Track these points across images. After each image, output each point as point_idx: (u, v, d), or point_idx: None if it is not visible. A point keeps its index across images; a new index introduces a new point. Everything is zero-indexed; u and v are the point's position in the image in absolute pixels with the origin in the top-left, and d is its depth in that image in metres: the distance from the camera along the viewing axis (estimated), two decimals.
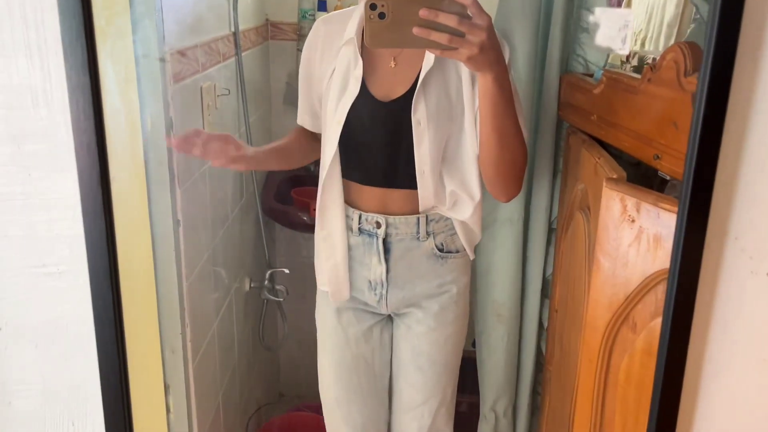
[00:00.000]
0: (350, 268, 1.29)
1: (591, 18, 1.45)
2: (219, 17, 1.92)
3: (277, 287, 2.20)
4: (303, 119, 1.35)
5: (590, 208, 1.22)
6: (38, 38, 0.60)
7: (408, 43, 0.95)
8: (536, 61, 1.49)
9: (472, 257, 1.32)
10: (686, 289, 0.63)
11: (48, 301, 0.68)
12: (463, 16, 0.93)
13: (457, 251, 1.29)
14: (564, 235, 1.46)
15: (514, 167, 1.14)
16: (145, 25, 1.12)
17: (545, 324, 1.65)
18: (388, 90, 1.18)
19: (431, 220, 1.25)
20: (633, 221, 0.97)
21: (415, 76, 1.16)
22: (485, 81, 1.01)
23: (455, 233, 1.28)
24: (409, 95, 1.15)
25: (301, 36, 2.60)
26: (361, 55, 1.17)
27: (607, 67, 1.43)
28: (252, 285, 2.15)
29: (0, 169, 0.65)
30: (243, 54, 2.18)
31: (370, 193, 1.25)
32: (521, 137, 1.12)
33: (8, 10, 0.59)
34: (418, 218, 1.24)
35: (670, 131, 0.99)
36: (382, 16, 0.93)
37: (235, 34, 2.01)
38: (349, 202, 1.28)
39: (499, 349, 1.66)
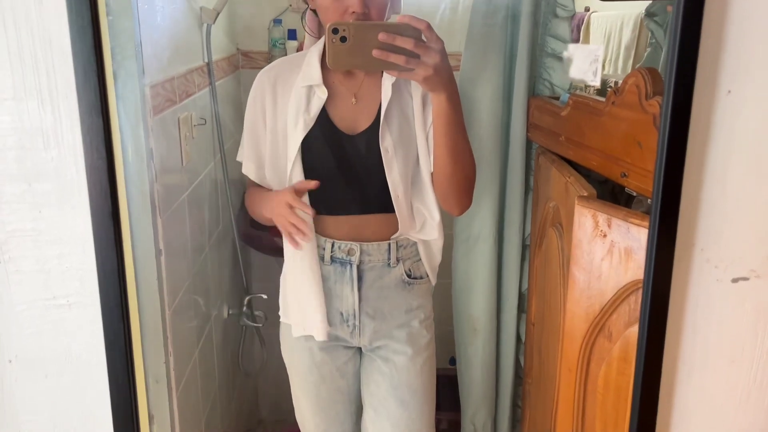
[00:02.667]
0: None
1: (556, 45, 1.53)
2: (193, 49, 1.95)
3: (256, 313, 2.21)
4: (248, 168, 1.35)
5: (562, 225, 1.28)
6: (49, 82, 0.63)
7: (368, 65, 1.02)
8: (504, 85, 1.56)
9: (434, 282, 1.37)
10: (659, 299, 0.68)
11: (59, 333, 0.70)
12: (419, 40, 1.00)
13: (422, 277, 1.34)
14: (538, 251, 1.52)
15: (467, 181, 1.22)
16: (126, 61, 1.15)
17: (523, 337, 1.70)
18: (352, 124, 1.23)
19: (401, 246, 1.29)
20: (605, 236, 1.02)
21: (377, 108, 1.21)
22: (439, 100, 1.08)
23: (420, 259, 1.32)
24: (374, 127, 1.20)
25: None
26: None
27: (571, 90, 1.51)
28: (230, 312, 2.15)
29: (12, 207, 0.67)
30: (216, 83, 2.21)
31: (343, 222, 1.28)
32: (471, 152, 1.20)
33: (20, 56, 0.62)
34: (389, 244, 1.28)
35: (635, 150, 1.05)
36: (343, 39, 0.98)
37: (208, 64, 2.04)
38: (320, 231, 1.30)
39: (476, 363, 1.71)
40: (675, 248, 0.67)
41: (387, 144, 1.20)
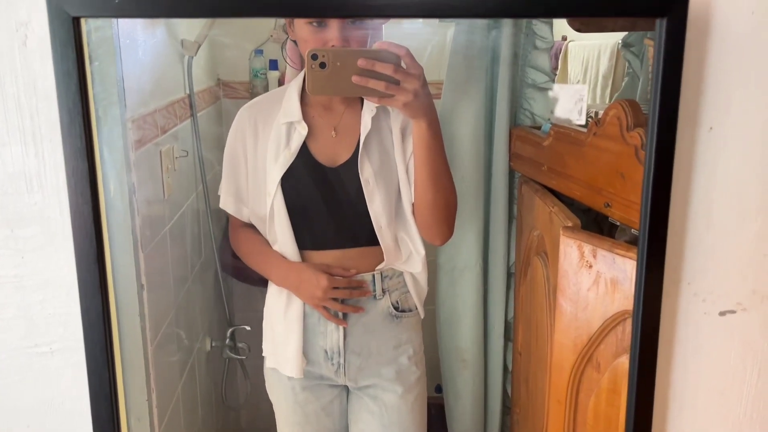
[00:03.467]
0: (304, 339, 1.28)
1: (536, 76, 1.55)
2: (174, 81, 1.95)
3: (239, 345, 2.18)
4: (227, 202, 1.34)
5: (547, 254, 1.29)
6: (33, 126, 0.62)
7: (347, 91, 1.01)
8: (485, 115, 1.57)
9: (422, 315, 1.35)
10: (649, 334, 0.68)
11: (41, 381, 0.68)
12: (398, 66, 1.00)
13: (410, 310, 1.31)
14: (523, 280, 1.52)
15: (448, 209, 1.21)
16: (111, 103, 1.15)
17: (510, 367, 1.69)
18: (332, 157, 1.22)
19: (386, 277, 1.27)
20: (590, 266, 1.03)
21: (356, 140, 1.21)
22: (419, 127, 1.08)
23: (408, 291, 1.30)
24: (354, 159, 1.20)
25: (253, 94, 2.64)
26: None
27: (552, 120, 1.53)
28: (213, 344, 2.12)
29: None
30: (198, 114, 2.21)
31: (325, 257, 1.26)
32: (452, 179, 1.20)
33: (3, 100, 0.61)
34: (374, 275, 1.26)
35: (618, 181, 1.07)
36: (323, 65, 0.98)
37: (190, 95, 2.04)
38: None
39: (465, 394, 1.70)
40: (663, 282, 0.68)
41: (367, 175, 1.20)
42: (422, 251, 1.26)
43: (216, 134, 2.53)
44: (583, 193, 1.20)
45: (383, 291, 1.28)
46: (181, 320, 1.83)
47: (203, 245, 2.12)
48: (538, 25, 1.50)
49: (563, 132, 1.29)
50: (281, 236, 1.25)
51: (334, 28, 1.11)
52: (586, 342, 1.06)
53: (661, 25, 0.62)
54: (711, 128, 0.67)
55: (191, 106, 2.03)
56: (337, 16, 1.06)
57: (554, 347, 1.12)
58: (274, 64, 2.50)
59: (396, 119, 1.23)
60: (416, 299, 1.32)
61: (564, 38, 2.35)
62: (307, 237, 1.25)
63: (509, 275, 1.65)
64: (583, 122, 1.31)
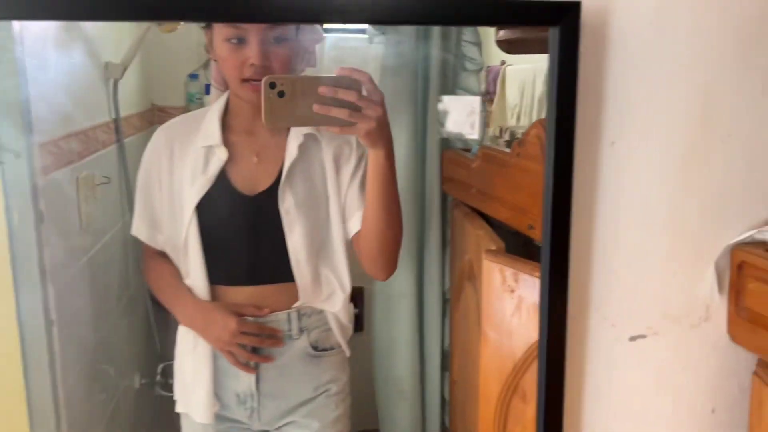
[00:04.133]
0: (215, 381, 1.18)
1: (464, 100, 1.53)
2: (97, 104, 1.87)
3: (170, 381, 2.07)
4: (139, 229, 1.24)
5: (477, 279, 1.25)
6: None
7: (307, 121, 0.95)
8: (417, 138, 1.54)
9: (348, 353, 1.25)
10: (556, 359, 0.64)
11: None
12: (360, 93, 0.95)
13: (332, 348, 1.22)
14: (457, 306, 1.48)
15: (396, 242, 1.15)
16: (11, 121, 1.08)
17: (447, 397, 1.64)
18: (252, 184, 1.15)
19: (303, 315, 1.18)
20: (512, 291, 0.99)
21: (279, 168, 1.15)
22: (377, 157, 1.02)
23: (330, 329, 1.21)
24: (275, 187, 1.13)
25: None
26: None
27: (484, 142, 1.50)
28: (143, 381, 2.01)
29: None
30: (127, 140, 2.12)
31: (239, 294, 1.17)
32: (401, 211, 1.14)
33: None
34: (289, 314, 1.17)
35: (541, 202, 1.03)
36: (281, 94, 0.91)
37: (116, 120, 1.96)
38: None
39: (402, 427, 1.63)
40: (568, 306, 0.64)
41: (288, 205, 1.13)
42: (348, 288, 1.19)
43: None
44: (509, 215, 1.16)
45: (300, 330, 1.18)
46: (103, 356, 1.73)
47: (131, 277, 2.02)
48: (467, 47, 1.48)
49: (490, 153, 1.26)
50: (193, 269, 1.16)
51: (253, 45, 1.06)
52: (511, 370, 1.01)
53: (554, 34, 0.59)
54: (613, 143, 0.64)
55: (117, 131, 1.95)
56: (246, 21, 1.01)
57: (481, 376, 1.08)
58: (209, 89, 2.45)
59: (328, 150, 1.16)
60: (339, 337, 1.22)
61: (503, 63, 2.36)
62: (220, 271, 1.17)
63: (445, 301, 1.61)
64: (476, 136, 1.29)
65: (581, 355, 0.67)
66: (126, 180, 2.00)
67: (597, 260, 0.65)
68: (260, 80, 1.07)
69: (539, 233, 1.06)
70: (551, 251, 0.62)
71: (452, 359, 1.56)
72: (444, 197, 1.56)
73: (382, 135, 0.98)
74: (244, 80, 1.08)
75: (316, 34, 1.24)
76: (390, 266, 1.16)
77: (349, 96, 0.93)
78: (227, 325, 1.12)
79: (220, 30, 1.08)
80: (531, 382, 1.00)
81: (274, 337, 1.16)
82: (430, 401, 1.65)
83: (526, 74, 2.17)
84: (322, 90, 0.92)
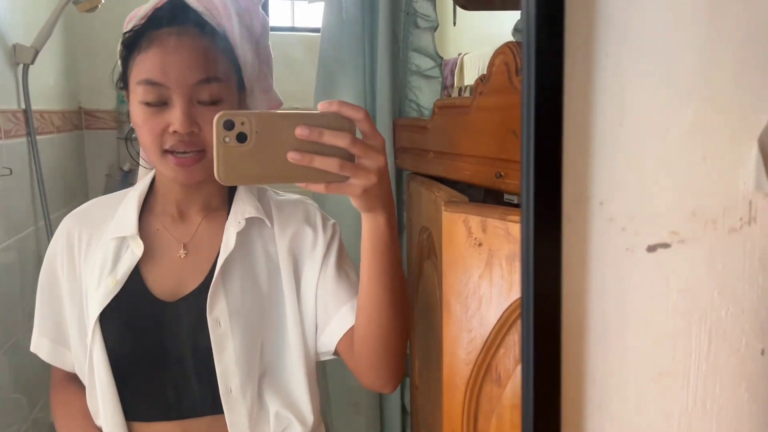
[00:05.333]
0: None
1: (420, 61, 1.35)
2: (2, 89, 1.65)
3: None
4: (39, 345, 0.98)
5: (437, 253, 1.05)
6: None
7: (279, 175, 0.68)
8: (366, 107, 1.36)
9: None
10: (546, 283, 0.44)
11: None
12: (355, 136, 0.69)
13: None
14: (416, 298, 1.28)
15: (404, 338, 0.89)
16: None
17: (408, 407, 1.42)
18: (175, 287, 0.91)
19: None
20: (480, 245, 0.79)
21: (212, 263, 0.91)
22: (377, 224, 0.78)
23: None
24: (203, 288, 0.89)
25: (120, 122, 2.36)
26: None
27: None
28: None
29: None
30: (44, 137, 1.90)
31: (163, 430, 0.91)
32: (407, 295, 0.89)
33: None
34: None
35: (510, 142, 0.85)
36: (242, 137, 0.66)
37: (26, 111, 1.74)
38: None
39: None
40: (562, 204, 0.44)
41: (218, 313, 0.87)
42: (310, 418, 0.93)
43: (75, 166, 2.22)
44: (472, 170, 0.98)
45: None
46: (17, 385, 1.49)
47: None
48: (419, 2, 1.31)
49: (447, 105, 1.08)
50: (102, 402, 0.90)
51: (177, 107, 0.84)
52: (481, 348, 0.81)
53: None
54: None
55: (27, 123, 1.73)
56: None
57: (445, 360, 0.87)
58: None
59: (282, 238, 0.92)
60: None
61: (459, 54, 2.23)
62: (136, 402, 0.91)
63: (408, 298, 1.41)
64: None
65: (580, 275, 0.47)
66: (39, 180, 1.78)
67: (599, 134, 0.46)
68: (185, 152, 0.84)
69: (510, 181, 0.88)
70: (536, 118, 0.43)
71: (412, 363, 1.34)
72: (399, 175, 1.37)
73: (382, 194, 0.74)
74: (166, 151, 0.85)
75: (270, 97, 0.99)
76: (398, 371, 0.90)
77: (339, 140, 0.68)
78: None
79: (135, 90, 0.85)
80: (506, 359, 0.79)
81: None
82: (390, 414, 1.43)
83: (484, 60, 2.02)
84: (301, 131, 0.66)
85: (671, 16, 0.46)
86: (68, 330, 0.96)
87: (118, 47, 0.91)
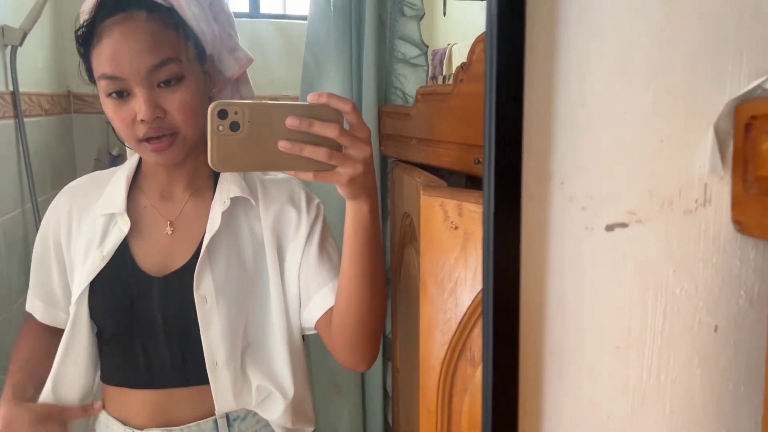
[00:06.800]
0: None
1: (406, 49, 1.36)
2: None
3: None
4: (33, 305, 1.03)
5: (418, 238, 1.07)
6: None
7: (271, 163, 0.72)
8: (352, 95, 1.37)
9: None
10: (505, 259, 0.46)
11: None
12: (342, 127, 0.73)
13: None
14: (398, 283, 1.29)
15: (381, 320, 0.92)
16: None
17: (390, 391, 1.44)
18: (162, 263, 0.94)
19: (235, 419, 0.96)
20: (456, 228, 0.81)
21: (198, 241, 0.93)
22: (360, 211, 0.81)
23: (272, 430, 1.00)
24: (190, 265, 0.91)
25: None
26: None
27: None
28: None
29: None
30: (32, 120, 1.90)
31: (143, 400, 0.94)
32: (386, 279, 0.92)
33: None
34: (216, 421, 0.94)
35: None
36: (235, 126, 0.69)
37: (13, 93, 1.74)
38: (115, 414, 0.97)
39: (340, 428, 1.42)
40: (522, 179, 0.46)
41: (205, 290, 0.90)
42: (290, 391, 0.96)
43: (63, 150, 2.22)
44: (452, 156, 0.99)
45: None
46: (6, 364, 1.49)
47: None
48: None
49: (429, 92, 1.09)
50: (73, 369, 0.95)
51: (139, 96, 0.84)
52: (456, 328, 0.82)
53: None
54: None
55: (15, 105, 1.73)
56: None
57: (422, 341, 0.89)
58: None
59: (267, 217, 0.94)
60: None
61: (448, 45, 2.24)
62: (118, 371, 0.95)
63: (386, 283, 1.42)
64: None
65: (541, 252, 0.49)
66: (27, 163, 1.78)
67: (560, 111, 0.48)
68: (158, 138, 0.85)
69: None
70: (497, 92, 0.44)
71: (394, 347, 1.36)
72: (384, 162, 1.39)
73: (367, 183, 0.77)
74: (140, 140, 0.87)
75: (238, 58, 0.99)
76: (373, 352, 0.93)
77: (328, 131, 0.71)
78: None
79: (100, 84, 0.86)
80: (480, 339, 0.81)
81: None
82: (371, 397, 1.45)
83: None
84: (291, 122, 0.70)
85: (630, 0, 0.47)
86: (60, 295, 1.01)
87: (74, 44, 0.90)
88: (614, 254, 0.49)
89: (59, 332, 0.98)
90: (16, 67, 1.72)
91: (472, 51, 0.91)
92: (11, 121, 1.73)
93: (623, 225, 0.49)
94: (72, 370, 0.96)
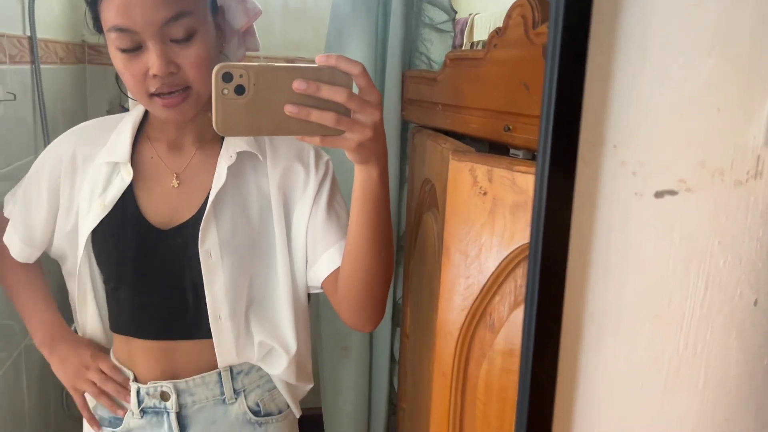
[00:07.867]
0: None
1: (434, 14, 1.35)
2: (7, 14, 1.63)
3: None
4: (12, 240, 1.02)
5: (438, 206, 1.06)
6: None
7: (276, 128, 0.69)
8: (377, 59, 1.35)
9: (298, 414, 1.04)
10: (557, 217, 0.46)
11: None
12: (351, 91, 0.70)
13: (280, 411, 1.01)
14: (413, 251, 1.29)
15: (387, 283, 0.91)
16: None
17: (397, 356, 1.45)
18: (169, 215, 0.92)
19: (239, 373, 0.97)
20: (485, 194, 0.80)
21: (205, 195, 0.92)
22: (369, 177, 0.78)
23: (275, 387, 1.00)
24: (196, 220, 0.90)
25: None
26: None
27: None
28: None
29: None
30: (47, 66, 1.88)
31: (148, 351, 0.95)
32: (393, 242, 0.91)
33: None
34: (220, 374, 0.95)
35: (521, 96, 0.86)
36: (240, 90, 0.67)
37: (31, 39, 1.72)
38: (123, 363, 0.98)
39: (346, 388, 1.44)
40: (579, 144, 0.45)
41: (209, 245, 0.89)
42: (293, 347, 0.96)
43: (76, 98, 2.20)
44: (480, 123, 0.98)
45: (236, 392, 0.96)
46: (9, 310, 1.50)
47: None
48: None
49: (459, 57, 1.08)
50: (89, 313, 0.97)
51: (152, 51, 0.81)
52: (477, 294, 0.83)
53: None
54: None
55: (32, 51, 1.71)
56: None
57: (440, 307, 0.89)
58: None
59: (274, 174, 0.93)
60: (289, 398, 1.00)
61: (470, 15, 2.21)
62: (123, 320, 0.96)
63: (399, 249, 1.42)
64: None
65: (590, 214, 0.48)
66: (42, 108, 1.77)
67: (618, 85, 0.47)
68: (170, 93, 0.82)
69: (519, 135, 0.89)
70: (560, 63, 0.43)
71: (405, 312, 1.37)
72: (404, 130, 1.38)
73: (377, 148, 0.75)
74: (152, 95, 0.84)
75: (248, 9, 0.96)
76: (378, 314, 0.92)
77: (336, 95, 0.69)
78: (93, 360, 0.95)
79: (109, 36, 0.82)
80: (501, 306, 0.82)
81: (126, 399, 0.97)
82: (378, 361, 1.46)
83: (496, 19, 2.01)
84: (298, 85, 0.67)
85: None
86: (41, 237, 0.99)
87: None
88: (661, 222, 0.49)
89: (37, 264, 1.03)
90: (34, 12, 1.70)
91: (508, 16, 0.90)
92: (27, 67, 1.71)
93: (673, 192, 0.48)
94: (88, 319, 0.97)
